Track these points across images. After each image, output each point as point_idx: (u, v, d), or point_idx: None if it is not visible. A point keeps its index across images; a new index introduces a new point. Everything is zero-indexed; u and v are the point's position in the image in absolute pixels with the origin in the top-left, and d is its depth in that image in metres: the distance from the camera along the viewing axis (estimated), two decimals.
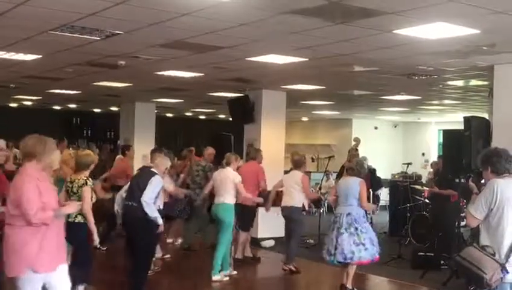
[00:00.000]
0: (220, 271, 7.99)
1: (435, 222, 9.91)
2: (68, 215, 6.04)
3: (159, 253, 8.70)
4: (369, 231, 7.33)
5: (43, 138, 4.47)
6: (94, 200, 6.30)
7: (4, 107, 19.20)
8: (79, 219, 6.16)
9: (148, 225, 6.62)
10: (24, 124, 18.15)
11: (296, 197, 8.55)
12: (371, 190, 12.13)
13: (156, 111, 16.11)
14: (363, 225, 7.28)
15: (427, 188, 9.89)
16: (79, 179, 6.30)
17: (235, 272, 8.30)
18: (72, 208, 4.78)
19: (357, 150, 13.77)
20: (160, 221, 6.67)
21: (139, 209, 6.57)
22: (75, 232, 5.94)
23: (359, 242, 7.16)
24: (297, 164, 8.76)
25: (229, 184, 8.00)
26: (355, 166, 7.58)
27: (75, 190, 6.27)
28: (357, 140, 15.30)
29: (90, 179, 6.35)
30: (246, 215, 8.82)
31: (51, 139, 4.52)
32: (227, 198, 8.01)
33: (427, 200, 11.18)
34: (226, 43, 7.01)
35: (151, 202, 6.57)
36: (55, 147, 4.54)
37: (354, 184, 7.28)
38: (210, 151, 10.25)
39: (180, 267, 9.05)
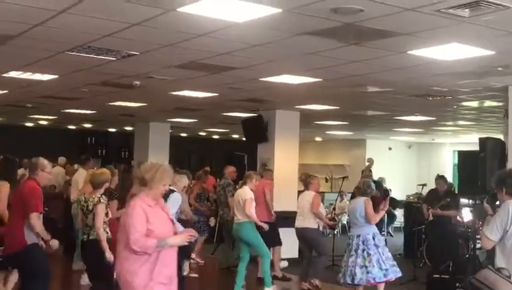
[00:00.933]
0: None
1: (436, 243, 9.95)
2: (90, 233, 6.16)
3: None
4: (377, 252, 7.32)
5: (156, 165, 4.32)
6: (108, 217, 6.33)
7: (20, 126, 19.40)
8: (94, 235, 6.18)
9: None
10: (40, 144, 18.42)
11: (309, 218, 8.54)
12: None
13: (170, 131, 16.19)
14: (371, 246, 7.28)
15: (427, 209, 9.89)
16: (93, 198, 6.33)
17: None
18: (179, 239, 4.35)
19: (370, 170, 13.73)
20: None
21: None
22: (90, 249, 6.07)
23: (363, 265, 7.21)
24: (304, 183, 8.86)
25: (242, 202, 8.11)
26: (362, 186, 7.69)
27: (90, 208, 6.30)
28: (371, 161, 15.26)
29: (104, 196, 6.37)
30: (267, 231, 8.78)
31: (164, 166, 4.34)
32: (243, 216, 8.10)
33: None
34: (240, 64, 7.05)
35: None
36: (169, 174, 4.35)
37: (359, 204, 7.41)
38: (231, 169, 10.31)
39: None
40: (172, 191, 6.85)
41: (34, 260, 5.81)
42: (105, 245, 6.10)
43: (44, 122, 18.45)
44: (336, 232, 13.22)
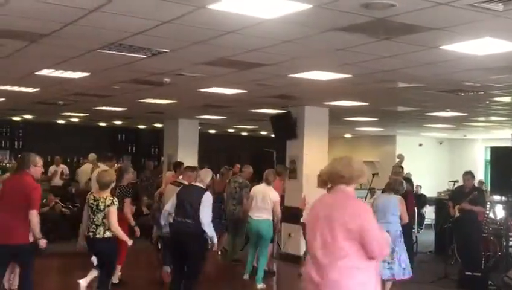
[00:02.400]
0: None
1: (463, 240, 9.84)
2: (96, 232, 6.38)
3: None
4: (401, 249, 7.36)
5: (350, 160, 3.94)
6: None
7: (52, 123, 19.67)
8: (107, 234, 6.65)
9: (202, 241, 6.87)
10: (71, 141, 18.72)
11: None
12: (415, 208, 11.94)
13: (199, 128, 16.27)
14: (398, 243, 7.33)
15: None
16: (105, 199, 6.68)
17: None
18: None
19: (401, 167, 13.60)
20: (215, 240, 7.00)
21: (193, 226, 6.78)
22: (105, 246, 6.59)
23: (385, 260, 7.18)
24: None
25: (269, 202, 8.40)
26: (394, 183, 7.68)
27: (101, 207, 6.66)
28: (401, 157, 15.04)
29: (115, 198, 6.75)
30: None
31: (357, 161, 3.96)
32: (268, 215, 8.40)
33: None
34: (269, 61, 7.04)
35: (208, 220, 6.80)
36: (363, 168, 3.96)
37: (393, 201, 7.35)
38: (250, 170, 10.43)
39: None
40: (203, 190, 6.93)
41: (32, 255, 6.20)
42: (126, 239, 6.82)
43: (76, 120, 18.69)
44: None
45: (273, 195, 8.47)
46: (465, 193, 9.66)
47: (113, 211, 6.64)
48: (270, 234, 8.54)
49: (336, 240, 3.57)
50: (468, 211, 9.44)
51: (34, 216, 5.96)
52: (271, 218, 8.53)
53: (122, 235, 6.78)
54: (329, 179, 3.90)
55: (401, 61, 6.87)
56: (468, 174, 9.90)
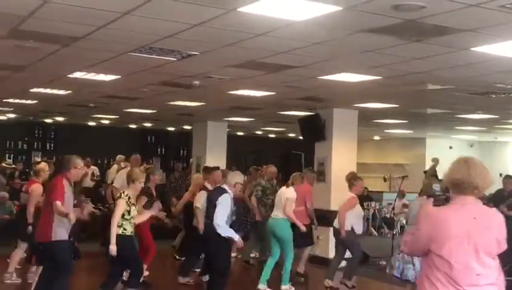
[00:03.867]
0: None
1: None
2: None
3: None
4: None
5: (484, 167, 3.45)
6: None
7: (83, 126, 19.95)
8: (119, 231, 6.54)
9: (220, 241, 6.81)
10: (101, 143, 18.97)
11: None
12: None
13: (227, 130, 16.34)
14: None
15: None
16: (120, 194, 6.77)
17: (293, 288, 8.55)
18: None
19: (435, 171, 13.44)
20: (236, 237, 6.90)
21: (211, 227, 6.84)
22: (119, 244, 6.44)
23: (410, 260, 7.21)
24: (348, 184, 8.72)
25: (283, 201, 8.41)
26: (426, 187, 7.71)
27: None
28: (436, 161, 14.95)
29: (124, 193, 6.67)
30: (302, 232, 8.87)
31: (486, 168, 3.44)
32: (282, 214, 8.39)
33: None
34: (299, 63, 7.06)
35: (223, 223, 6.77)
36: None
37: (417, 206, 7.37)
38: (272, 169, 10.35)
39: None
40: (223, 191, 6.97)
41: (59, 255, 6.16)
42: (112, 238, 6.42)
43: (106, 122, 18.93)
44: (394, 232, 13.03)
45: (287, 193, 8.37)
46: (504, 196, 9.65)
47: (118, 204, 6.57)
48: (286, 234, 8.32)
49: (484, 258, 3.19)
50: (506, 216, 9.34)
51: (55, 205, 6.00)
52: (283, 215, 8.41)
53: (112, 233, 6.46)
54: (455, 187, 3.32)
55: (431, 63, 6.82)
56: (509, 179, 10.09)
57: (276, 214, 8.47)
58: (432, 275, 3.20)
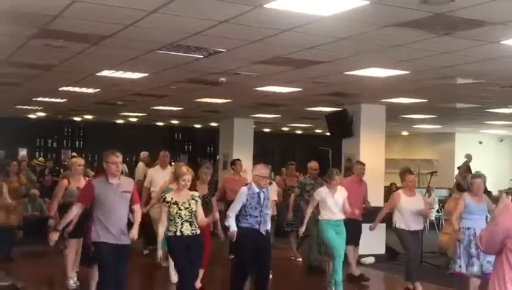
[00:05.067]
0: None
1: None
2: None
3: None
4: None
5: None
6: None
7: (111, 123, 20.17)
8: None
9: (239, 238, 6.77)
10: (129, 140, 19.13)
11: (394, 215, 8.36)
12: None
13: (254, 126, 16.35)
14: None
15: None
16: None
17: None
18: None
19: (468, 167, 13.25)
20: (231, 229, 6.72)
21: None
22: None
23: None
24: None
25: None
26: (465, 184, 7.69)
27: None
28: (469, 157, 14.75)
29: (165, 194, 6.49)
30: (355, 229, 8.68)
31: None
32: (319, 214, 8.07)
33: None
34: (326, 58, 7.02)
35: (230, 212, 6.82)
36: None
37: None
38: (310, 165, 10.13)
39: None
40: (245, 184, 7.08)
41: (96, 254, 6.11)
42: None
43: (134, 119, 19.11)
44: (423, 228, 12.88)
45: (316, 192, 8.06)
46: None
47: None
48: (320, 233, 8.02)
49: None
50: None
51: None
52: (320, 217, 7.93)
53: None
54: None
55: (460, 57, 6.72)
56: None
57: (338, 216, 8.03)
58: (504, 274, 3.14)
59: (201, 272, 7.38)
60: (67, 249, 7.72)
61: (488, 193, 10.83)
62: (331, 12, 4.99)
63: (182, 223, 6.19)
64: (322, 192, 7.93)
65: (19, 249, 10.17)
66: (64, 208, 7.23)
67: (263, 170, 6.95)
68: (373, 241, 9.97)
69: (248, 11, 4.97)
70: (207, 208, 7.33)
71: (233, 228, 6.78)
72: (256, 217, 6.84)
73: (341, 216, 7.93)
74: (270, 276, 7.78)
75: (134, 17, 5.35)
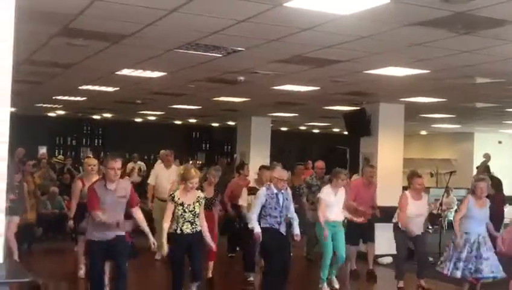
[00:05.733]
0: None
1: None
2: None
3: None
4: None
5: None
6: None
7: (130, 122, 20.30)
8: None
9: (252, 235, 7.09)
10: (148, 139, 19.27)
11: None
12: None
13: (271, 125, 16.35)
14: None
15: None
16: None
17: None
18: None
19: (487, 167, 13.10)
20: (255, 230, 6.97)
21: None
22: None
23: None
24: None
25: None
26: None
27: None
28: (487, 156, 14.59)
29: (174, 193, 6.66)
30: (362, 226, 8.77)
31: None
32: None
33: None
34: (345, 57, 7.00)
35: (251, 214, 7.07)
36: None
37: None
38: (317, 164, 10.21)
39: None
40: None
41: None
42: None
43: (153, 118, 19.21)
44: (435, 227, 12.83)
45: (320, 193, 8.09)
46: None
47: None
48: (316, 232, 8.13)
49: None
50: None
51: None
52: (319, 219, 7.96)
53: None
54: None
55: (481, 56, 6.67)
56: None
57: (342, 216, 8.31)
58: None
59: (211, 264, 7.88)
60: (78, 244, 8.09)
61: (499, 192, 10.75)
62: (351, 11, 4.97)
63: (183, 223, 6.53)
64: (325, 191, 7.98)
65: (39, 246, 10.29)
66: (80, 209, 7.42)
67: (282, 172, 7.13)
68: (390, 241, 9.88)
69: (267, 10, 4.97)
70: (210, 209, 7.69)
71: (257, 229, 6.98)
72: (276, 217, 7.01)
73: (340, 217, 8.03)
74: None
75: (155, 16, 5.38)
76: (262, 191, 7.09)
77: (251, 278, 8.52)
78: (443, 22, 5.17)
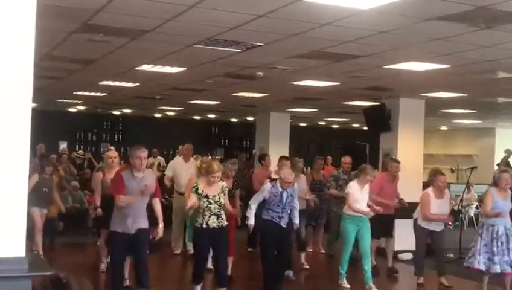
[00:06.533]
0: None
1: None
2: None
3: None
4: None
5: None
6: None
7: (150, 117, 20.40)
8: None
9: (261, 229, 7.30)
10: (167, 134, 19.34)
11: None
12: None
13: (290, 120, 16.32)
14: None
15: None
16: None
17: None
18: None
19: (507, 163, 12.97)
20: (249, 221, 7.14)
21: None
22: None
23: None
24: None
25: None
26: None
27: None
28: (508, 152, 14.45)
29: (197, 185, 6.64)
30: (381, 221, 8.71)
31: None
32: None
33: None
34: (364, 52, 6.96)
35: (252, 203, 7.22)
36: None
37: None
38: (343, 160, 10.23)
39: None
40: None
41: None
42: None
43: (172, 113, 19.28)
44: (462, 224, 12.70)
45: (347, 187, 8.08)
46: None
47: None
48: (341, 226, 8.14)
49: None
50: None
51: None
52: (344, 211, 8.02)
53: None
54: None
55: (502, 51, 6.59)
56: None
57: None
58: None
59: (230, 260, 7.68)
60: (100, 239, 8.19)
61: None
62: (371, 6, 4.94)
63: (209, 216, 6.51)
64: (353, 186, 7.95)
65: (60, 240, 10.40)
66: (103, 199, 7.56)
67: (287, 175, 7.20)
68: (410, 237, 9.83)
69: (287, 4, 4.96)
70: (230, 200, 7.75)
71: (251, 221, 7.20)
72: (278, 212, 7.25)
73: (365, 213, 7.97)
74: (307, 266, 8.07)
75: (174, 12, 5.39)
76: (267, 187, 7.24)
77: None
78: (464, 16, 5.12)
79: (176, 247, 9.97)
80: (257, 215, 7.28)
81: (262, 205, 7.27)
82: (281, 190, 7.16)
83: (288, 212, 7.33)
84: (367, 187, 8.02)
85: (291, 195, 7.28)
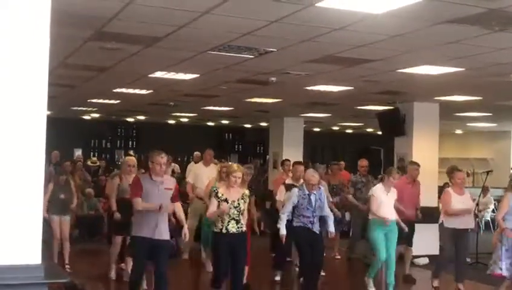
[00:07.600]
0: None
1: None
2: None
3: None
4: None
5: None
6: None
7: (163, 124, 20.48)
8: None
9: (294, 236, 7.23)
10: (181, 140, 19.39)
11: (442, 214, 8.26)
12: None
13: (303, 126, 16.30)
14: None
15: None
16: None
17: None
18: None
19: None
20: (281, 232, 7.05)
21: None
22: None
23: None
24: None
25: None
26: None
27: None
28: None
29: (216, 188, 6.74)
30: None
31: None
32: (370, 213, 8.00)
33: None
34: (377, 56, 6.94)
35: (282, 214, 7.16)
36: None
37: None
38: (360, 163, 10.21)
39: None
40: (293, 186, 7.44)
41: None
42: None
43: (185, 120, 19.34)
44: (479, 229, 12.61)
45: (371, 190, 7.99)
46: None
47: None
48: (368, 233, 7.93)
49: None
50: None
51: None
52: (369, 215, 7.92)
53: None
54: None
55: None
56: None
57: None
58: None
59: (246, 269, 7.42)
60: (112, 245, 8.22)
61: None
62: (383, 10, 4.93)
63: (228, 221, 6.42)
64: (378, 190, 7.85)
65: (75, 247, 10.43)
66: (119, 205, 7.63)
67: (310, 176, 7.18)
68: (426, 242, 9.80)
69: (299, 10, 4.96)
70: None
71: (282, 231, 7.06)
72: (309, 217, 7.14)
73: (393, 217, 7.82)
74: (323, 273, 7.98)
75: (187, 19, 5.41)
76: (294, 192, 7.21)
77: (277, 278, 8.56)
78: (477, 19, 5.08)
79: (185, 252, 9.99)
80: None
81: (292, 213, 7.17)
82: (308, 192, 7.13)
83: (319, 217, 7.23)
84: (394, 191, 7.90)
85: (319, 199, 7.18)
